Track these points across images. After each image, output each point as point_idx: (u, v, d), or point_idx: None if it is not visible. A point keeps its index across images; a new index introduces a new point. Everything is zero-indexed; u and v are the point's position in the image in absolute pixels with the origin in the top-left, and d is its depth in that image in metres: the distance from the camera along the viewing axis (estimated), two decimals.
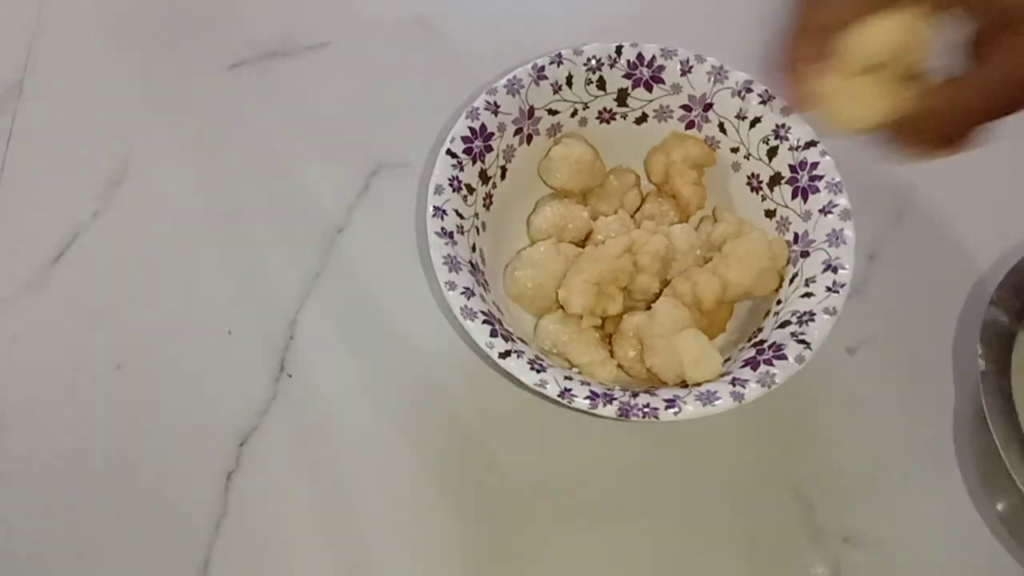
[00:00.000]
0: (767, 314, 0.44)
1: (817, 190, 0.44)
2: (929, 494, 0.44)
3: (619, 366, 0.44)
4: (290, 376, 0.46)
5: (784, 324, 0.41)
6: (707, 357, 0.40)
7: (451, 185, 0.43)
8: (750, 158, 0.47)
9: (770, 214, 0.46)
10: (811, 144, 0.44)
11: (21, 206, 0.51)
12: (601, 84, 0.47)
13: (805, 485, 0.44)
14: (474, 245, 0.44)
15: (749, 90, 0.46)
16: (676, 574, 0.42)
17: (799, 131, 0.45)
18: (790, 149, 0.45)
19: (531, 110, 0.47)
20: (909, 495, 0.44)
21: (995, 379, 0.40)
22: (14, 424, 0.45)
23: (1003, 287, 0.42)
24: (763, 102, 0.45)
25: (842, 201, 0.43)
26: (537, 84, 0.46)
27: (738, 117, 0.46)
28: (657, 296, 0.44)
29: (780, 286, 0.44)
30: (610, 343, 0.45)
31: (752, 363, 0.39)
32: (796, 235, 0.44)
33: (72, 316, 0.48)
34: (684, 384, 0.40)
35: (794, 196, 0.45)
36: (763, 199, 0.47)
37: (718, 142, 0.48)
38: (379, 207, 0.51)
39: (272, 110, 0.55)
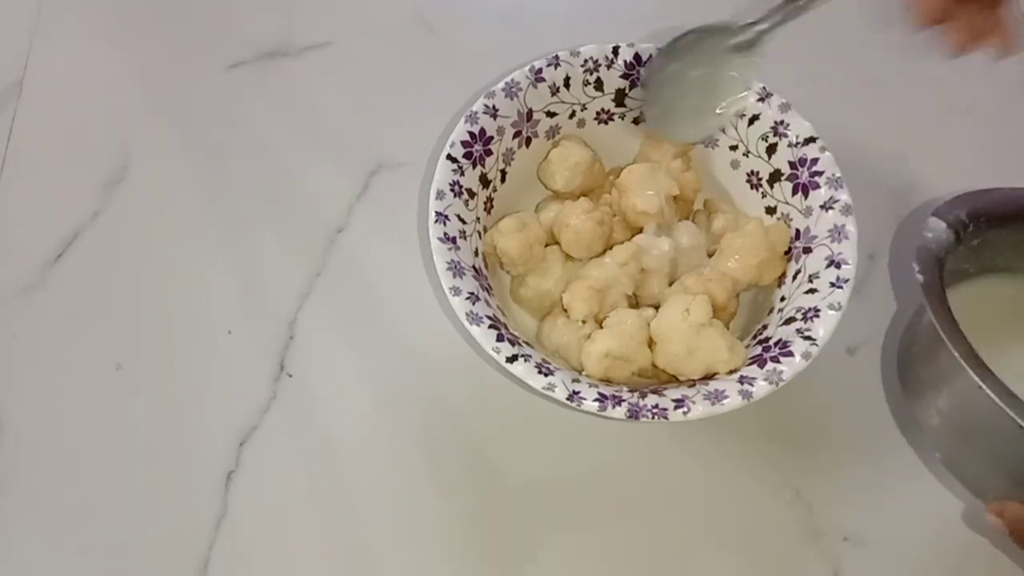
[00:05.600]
0: (770, 311, 0.44)
1: (817, 186, 0.44)
2: (930, 494, 0.44)
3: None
4: (290, 376, 0.46)
5: (789, 321, 0.41)
6: (737, 345, 0.40)
7: (452, 190, 0.43)
8: (749, 155, 0.47)
9: (771, 211, 0.46)
10: (810, 140, 0.44)
11: (21, 206, 0.51)
12: (599, 85, 0.47)
13: (805, 485, 0.44)
14: (476, 249, 0.44)
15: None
16: (677, 574, 0.42)
17: (798, 127, 0.44)
18: (789, 146, 0.45)
19: (529, 113, 0.47)
20: (909, 495, 0.44)
21: (935, 288, 0.38)
22: (14, 424, 0.45)
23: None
24: (761, 99, 0.45)
25: (843, 197, 0.43)
26: (535, 87, 0.46)
27: (736, 115, 0.46)
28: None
29: (785, 272, 0.44)
30: None
31: (759, 360, 0.39)
32: (798, 231, 0.44)
33: (72, 316, 0.48)
34: (692, 382, 0.40)
35: (794, 192, 0.45)
36: (763, 196, 0.47)
37: (716, 140, 0.48)
38: (379, 207, 0.51)
39: (272, 110, 0.54)
